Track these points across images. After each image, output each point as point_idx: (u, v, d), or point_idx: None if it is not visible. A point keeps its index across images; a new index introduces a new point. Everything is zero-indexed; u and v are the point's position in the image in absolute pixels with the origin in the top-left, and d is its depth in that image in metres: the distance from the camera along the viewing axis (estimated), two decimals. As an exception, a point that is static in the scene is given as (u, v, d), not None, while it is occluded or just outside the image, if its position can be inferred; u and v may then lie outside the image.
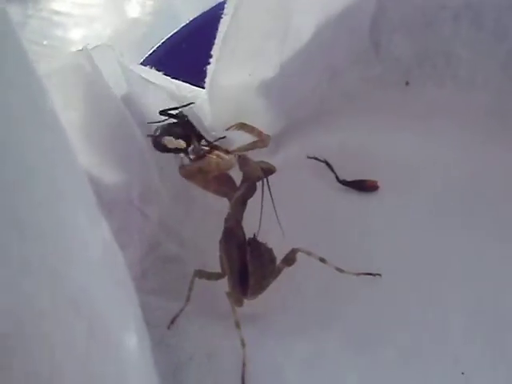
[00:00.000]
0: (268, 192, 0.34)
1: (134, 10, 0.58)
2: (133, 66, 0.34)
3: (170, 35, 0.43)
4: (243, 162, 0.34)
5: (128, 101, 0.35)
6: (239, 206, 0.35)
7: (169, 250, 0.38)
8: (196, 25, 0.43)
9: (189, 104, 0.34)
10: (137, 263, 0.37)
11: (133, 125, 0.35)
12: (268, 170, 0.34)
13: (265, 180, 0.34)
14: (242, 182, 0.35)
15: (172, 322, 0.35)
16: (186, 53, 0.42)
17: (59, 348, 0.20)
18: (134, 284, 0.35)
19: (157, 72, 0.35)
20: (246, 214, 0.36)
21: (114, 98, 0.34)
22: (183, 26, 0.43)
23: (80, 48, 0.32)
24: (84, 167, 0.33)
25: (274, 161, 0.42)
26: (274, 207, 0.34)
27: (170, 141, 0.33)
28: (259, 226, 0.34)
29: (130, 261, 0.36)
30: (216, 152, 0.33)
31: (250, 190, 0.34)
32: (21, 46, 0.20)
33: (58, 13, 0.57)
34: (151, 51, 0.42)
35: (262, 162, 0.34)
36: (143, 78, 0.34)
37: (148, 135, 0.34)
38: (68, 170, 0.23)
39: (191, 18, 0.44)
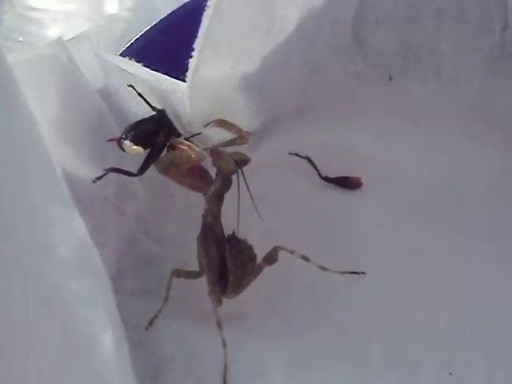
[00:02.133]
0: (246, 186, 0.33)
1: (112, 6, 0.56)
2: (110, 57, 0.33)
3: (147, 28, 0.42)
4: (215, 155, 0.33)
5: (105, 93, 0.34)
6: (215, 201, 0.34)
7: (147, 248, 0.37)
8: (174, 18, 0.43)
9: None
10: (114, 262, 0.36)
11: (109, 118, 0.34)
12: (242, 161, 0.33)
13: (240, 172, 0.33)
14: (217, 176, 0.33)
15: (150, 323, 0.34)
16: (164, 46, 0.41)
17: (33, 348, 0.19)
18: (111, 284, 0.34)
19: (136, 63, 0.34)
20: (226, 210, 0.35)
21: (90, 90, 0.33)
22: (161, 19, 0.42)
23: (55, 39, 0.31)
24: (58, 161, 0.32)
25: (254, 157, 0.41)
26: (252, 199, 0.33)
27: (128, 146, 0.31)
28: (238, 221, 0.33)
29: (107, 260, 0.35)
30: (187, 143, 0.32)
31: (225, 185, 0.33)
32: None
33: (34, 8, 0.56)
34: (129, 44, 0.41)
35: (236, 153, 0.33)
36: (121, 69, 0.33)
37: (108, 140, 0.32)
38: (39, 162, 0.22)
39: (169, 12, 0.44)
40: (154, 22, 0.43)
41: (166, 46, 0.41)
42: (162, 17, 0.43)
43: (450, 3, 0.40)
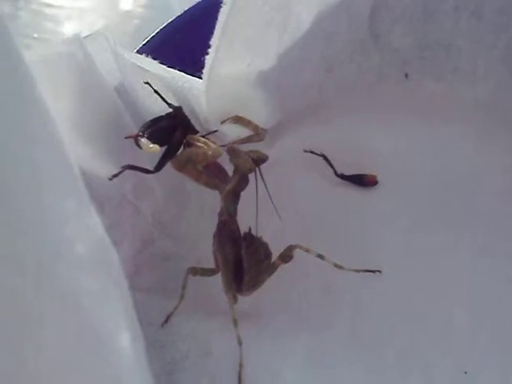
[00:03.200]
0: (264, 185, 0.33)
1: (126, 2, 0.57)
2: (127, 55, 0.33)
3: (164, 25, 0.42)
4: (233, 152, 0.32)
5: (121, 91, 0.34)
6: (231, 198, 0.34)
7: (163, 246, 0.37)
8: (190, 15, 0.42)
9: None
10: (130, 260, 0.36)
11: (126, 116, 0.34)
12: (259, 160, 0.33)
13: (257, 170, 0.33)
14: (234, 173, 0.33)
15: (166, 320, 0.34)
16: (180, 43, 0.41)
17: (46, 345, 0.19)
18: (127, 281, 0.34)
19: (152, 60, 0.34)
20: (242, 208, 0.35)
21: (107, 88, 0.33)
22: (178, 16, 0.42)
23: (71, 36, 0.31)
24: (75, 159, 0.32)
25: (269, 154, 0.41)
26: (270, 197, 0.33)
27: (145, 144, 0.31)
28: (256, 219, 0.33)
29: (123, 257, 0.35)
30: (203, 140, 0.32)
31: (242, 183, 0.33)
32: (7, 31, 0.19)
33: (49, 5, 0.56)
34: (145, 41, 0.40)
35: (253, 151, 0.33)
36: (138, 66, 0.33)
37: (126, 137, 0.32)
38: (55, 159, 0.22)
39: (184, 10, 0.43)
40: (170, 20, 0.43)
41: (183, 44, 0.41)
42: (178, 14, 0.43)
43: (467, 0, 0.40)
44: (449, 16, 0.41)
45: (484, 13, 0.40)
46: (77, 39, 0.31)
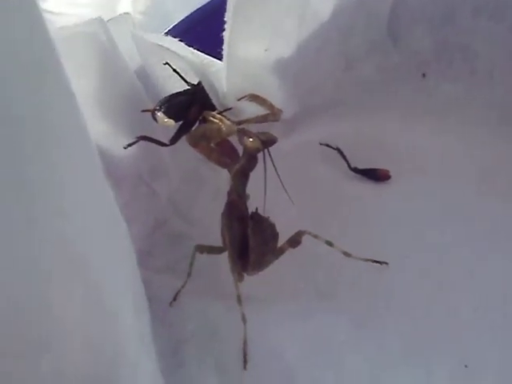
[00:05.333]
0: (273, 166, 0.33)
1: (125, 10, 0.56)
2: (147, 36, 0.34)
3: (185, 16, 0.42)
4: (242, 133, 0.33)
5: (141, 74, 0.35)
6: (240, 178, 0.34)
7: (176, 227, 0.38)
8: (211, 7, 0.43)
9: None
10: (143, 239, 0.37)
11: (145, 97, 0.35)
12: (268, 141, 0.32)
13: (266, 152, 0.33)
14: (243, 154, 0.34)
15: (174, 298, 0.35)
16: (201, 35, 0.41)
17: (56, 309, 0.19)
18: (139, 260, 0.35)
19: (173, 39, 0.34)
20: (255, 190, 0.34)
21: (127, 69, 0.34)
22: (198, 8, 0.43)
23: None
24: (94, 136, 0.32)
25: (286, 145, 0.41)
26: (280, 179, 0.33)
27: (160, 118, 0.32)
28: (264, 199, 0.33)
29: (137, 236, 0.36)
30: (219, 117, 0.33)
31: (250, 163, 0.33)
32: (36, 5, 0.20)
33: (47, 11, 0.54)
34: (165, 31, 0.41)
35: (263, 133, 0.33)
36: (158, 46, 0.33)
37: (142, 110, 0.33)
38: (75, 132, 0.22)
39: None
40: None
41: (203, 35, 0.41)
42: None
43: (487, 3, 0.40)
44: (468, 18, 0.41)
45: (503, 16, 0.40)
46: (100, 21, 0.31)
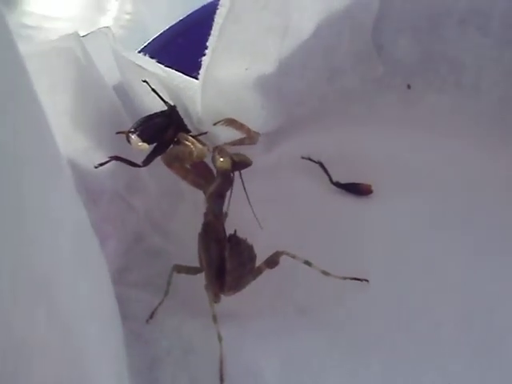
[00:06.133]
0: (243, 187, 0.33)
1: (107, 23, 0.56)
2: (126, 53, 0.33)
3: (166, 28, 0.42)
4: (216, 152, 0.33)
5: (120, 89, 0.35)
6: (215, 199, 0.34)
7: (154, 243, 0.38)
8: (193, 19, 0.42)
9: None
10: (121, 255, 0.36)
11: (122, 112, 0.35)
12: (241, 163, 0.33)
13: (238, 173, 0.33)
14: (217, 174, 0.34)
15: (151, 316, 0.34)
16: (181, 47, 0.41)
17: (17, 329, 0.19)
18: (116, 275, 0.35)
19: (150, 59, 0.34)
20: (234, 210, 0.35)
21: (103, 84, 0.34)
22: (180, 20, 0.42)
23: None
24: (69, 153, 0.32)
25: (268, 159, 0.41)
26: (249, 201, 0.33)
27: (134, 141, 0.32)
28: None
29: (114, 251, 0.36)
30: (192, 140, 0.33)
31: (225, 183, 0.33)
32: (4, 24, 0.20)
33: (26, 26, 0.55)
34: (146, 43, 0.41)
35: (238, 154, 0.33)
36: (136, 64, 0.33)
37: (117, 132, 0.33)
38: (42, 149, 0.22)
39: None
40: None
41: (184, 47, 0.41)
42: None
43: (473, 14, 0.40)
44: (454, 29, 0.41)
45: (489, 28, 0.40)
46: (75, 36, 0.31)
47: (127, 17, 0.56)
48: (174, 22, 0.43)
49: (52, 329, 0.21)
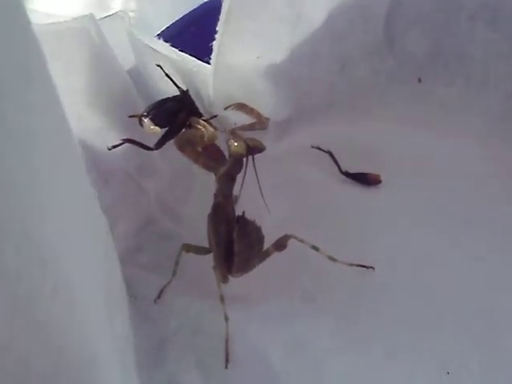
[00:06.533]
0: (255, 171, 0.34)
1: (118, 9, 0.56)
2: (141, 37, 0.34)
3: (180, 16, 0.42)
4: (230, 136, 0.33)
5: (133, 72, 0.35)
6: (226, 181, 0.34)
7: (165, 226, 0.38)
8: (206, 8, 0.43)
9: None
10: (131, 236, 0.37)
11: (136, 95, 0.35)
12: (255, 148, 0.33)
13: (250, 157, 0.33)
14: (229, 157, 0.34)
15: (159, 295, 0.35)
16: (195, 35, 0.42)
17: (21, 302, 0.19)
18: (126, 257, 0.35)
19: (165, 43, 0.35)
20: (246, 193, 0.35)
21: (117, 66, 0.34)
22: (194, 9, 0.43)
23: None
24: (82, 132, 0.33)
25: (279, 147, 0.42)
26: (259, 184, 0.33)
27: (146, 125, 0.32)
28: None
29: (124, 233, 0.36)
30: (203, 123, 0.33)
31: (236, 167, 0.34)
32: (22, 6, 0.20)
33: (37, 11, 0.55)
34: (160, 31, 0.41)
35: (252, 139, 0.34)
36: (151, 48, 0.34)
37: (130, 116, 0.34)
38: (54, 128, 0.22)
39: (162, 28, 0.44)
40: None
41: (197, 35, 0.42)
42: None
43: (483, 9, 0.40)
44: (464, 24, 0.41)
45: (499, 23, 0.40)
46: (90, 17, 0.32)
47: (131, 14, 0.56)
48: (188, 9, 0.43)
49: (57, 303, 0.21)
